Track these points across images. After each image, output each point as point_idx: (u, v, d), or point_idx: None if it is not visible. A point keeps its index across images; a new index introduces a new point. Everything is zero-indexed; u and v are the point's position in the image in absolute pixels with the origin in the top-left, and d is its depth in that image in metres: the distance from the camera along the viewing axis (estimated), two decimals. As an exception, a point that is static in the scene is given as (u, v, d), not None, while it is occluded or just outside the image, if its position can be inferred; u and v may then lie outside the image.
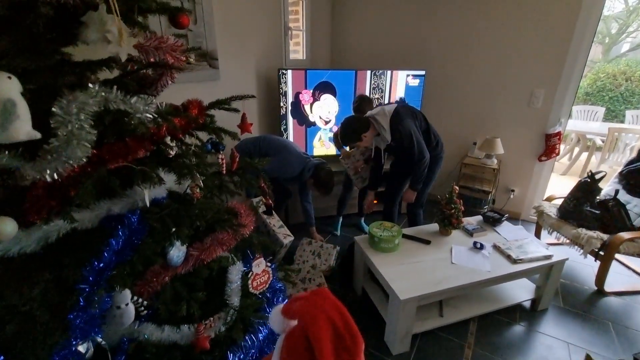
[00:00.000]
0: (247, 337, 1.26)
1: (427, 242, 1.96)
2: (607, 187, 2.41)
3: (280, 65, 2.88)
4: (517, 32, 2.63)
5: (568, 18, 2.42)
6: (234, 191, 1.42)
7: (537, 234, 2.56)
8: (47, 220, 0.81)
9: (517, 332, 1.83)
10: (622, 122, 5.56)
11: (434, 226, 2.12)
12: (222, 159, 1.34)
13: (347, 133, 2.05)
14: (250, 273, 1.30)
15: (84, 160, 0.75)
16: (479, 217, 2.26)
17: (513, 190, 3.03)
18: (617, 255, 2.23)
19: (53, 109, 0.68)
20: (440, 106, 3.12)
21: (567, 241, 2.23)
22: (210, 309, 1.22)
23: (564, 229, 2.23)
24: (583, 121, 5.16)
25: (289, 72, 2.61)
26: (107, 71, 0.95)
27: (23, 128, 0.64)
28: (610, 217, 2.15)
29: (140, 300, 0.92)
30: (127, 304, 0.85)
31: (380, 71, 2.81)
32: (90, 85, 0.76)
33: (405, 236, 2.00)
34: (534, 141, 2.84)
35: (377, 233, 1.87)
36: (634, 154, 2.36)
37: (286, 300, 0.59)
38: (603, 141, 4.14)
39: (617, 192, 2.24)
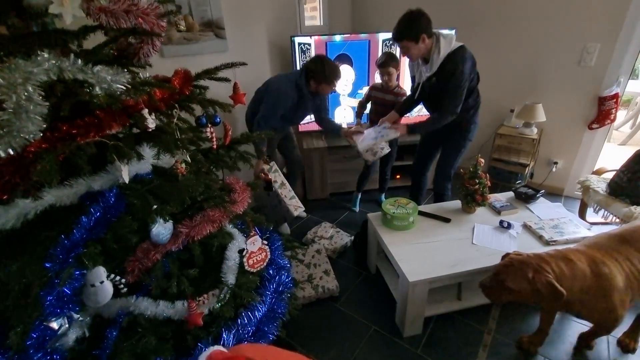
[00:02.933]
0: (243, 314, 1.25)
1: (447, 220, 1.80)
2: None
3: (295, 32, 2.71)
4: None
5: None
6: (232, 166, 1.37)
7: (582, 213, 2.27)
8: (20, 196, 0.81)
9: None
10: None
11: (457, 203, 1.94)
12: (212, 133, 1.28)
13: (407, 25, 1.68)
14: (245, 251, 1.26)
15: (40, 134, 0.72)
16: (510, 194, 2.03)
17: (556, 163, 2.69)
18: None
19: (-5, 78, 0.64)
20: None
21: (617, 220, 1.94)
22: (206, 286, 1.21)
23: (614, 207, 1.93)
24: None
25: (306, 39, 2.44)
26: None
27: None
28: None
29: (118, 278, 0.90)
30: (102, 282, 0.84)
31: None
32: (39, 52, 0.71)
33: (422, 214, 1.85)
34: (584, 106, 2.46)
35: (390, 210, 1.74)
36: None
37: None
38: (676, 104, 3.52)
39: (685, 163, 1.89)
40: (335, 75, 1.95)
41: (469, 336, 1.58)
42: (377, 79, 2.30)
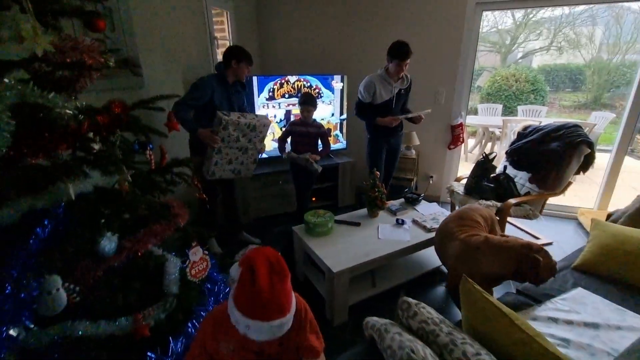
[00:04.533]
0: (189, 324, 1.32)
1: (357, 224, 2.18)
2: (501, 166, 2.90)
3: (208, 72, 2.94)
4: (421, 41, 3.06)
5: (456, 33, 2.93)
6: (165, 188, 1.47)
7: (453, 210, 2.97)
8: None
9: (440, 292, 2.12)
10: (516, 115, 6.60)
11: (364, 211, 2.36)
12: (151, 156, 1.39)
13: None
14: (188, 261, 1.36)
15: (3, 151, 0.79)
16: (402, 200, 2.56)
17: (432, 176, 3.46)
18: (510, 219, 2.70)
19: (-33, 100, 0.72)
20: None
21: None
22: (150, 299, 1.26)
23: (469, 202, 2.63)
24: (486, 117, 6.02)
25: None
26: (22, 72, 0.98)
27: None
28: (502, 189, 2.60)
29: (72, 286, 0.94)
30: (57, 290, 0.88)
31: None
32: (5, 80, 0.80)
33: (337, 221, 2.19)
34: (443, 132, 3.29)
35: (312, 220, 2.03)
36: (515, 137, 2.89)
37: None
38: (501, 132, 4.89)
39: (505, 167, 2.73)
40: (249, 55, 2.24)
41: (386, 315, 1.90)
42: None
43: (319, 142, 2.60)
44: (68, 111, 0.96)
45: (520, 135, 2.79)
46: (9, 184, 0.86)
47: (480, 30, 3.04)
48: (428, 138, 3.33)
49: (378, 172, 2.26)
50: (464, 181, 2.91)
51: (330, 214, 2.12)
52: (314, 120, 2.60)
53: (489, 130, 5.13)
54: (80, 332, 1.07)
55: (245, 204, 2.95)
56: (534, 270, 1.45)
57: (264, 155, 3.09)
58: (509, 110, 7.07)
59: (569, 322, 1.25)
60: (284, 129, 2.73)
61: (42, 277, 0.85)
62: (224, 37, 3.18)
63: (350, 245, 1.94)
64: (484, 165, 2.67)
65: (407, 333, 0.95)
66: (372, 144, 2.72)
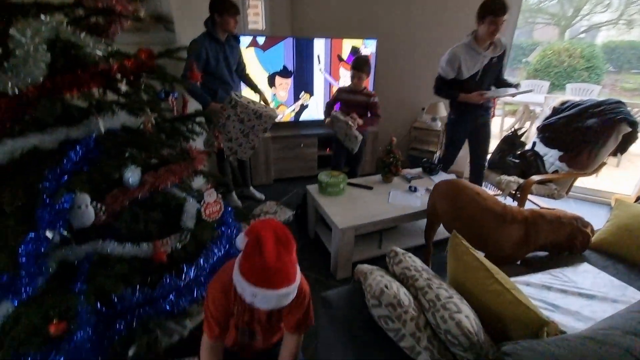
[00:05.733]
0: (202, 255, 1.47)
1: (370, 188, 2.22)
2: (531, 142, 2.76)
3: (239, 33, 2.99)
4: (457, 6, 2.88)
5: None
6: (187, 136, 1.60)
7: (473, 186, 2.90)
8: (12, 135, 0.97)
9: (444, 259, 2.15)
10: (564, 94, 6.08)
11: (379, 177, 2.39)
12: (173, 103, 1.51)
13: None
14: (203, 202, 1.49)
15: (41, 79, 0.91)
16: (419, 169, 2.55)
17: (457, 151, 3.36)
18: (531, 197, 2.60)
19: (10, 32, 0.83)
20: (392, 74, 3.36)
21: (493, 187, 2.57)
22: (169, 231, 1.42)
23: (490, 177, 2.56)
24: (529, 94, 5.60)
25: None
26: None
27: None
28: (528, 165, 2.49)
29: (99, 205, 1.09)
30: (86, 206, 1.03)
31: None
32: (42, 16, 0.91)
33: (350, 184, 2.25)
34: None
35: (325, 179, 2.10)
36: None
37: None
38: (542, 110, 4.56)
39: (534, 144, 2.60)
40: (232, 4, 2.16)
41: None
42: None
43: (369, 114, 2.38)
44: (98, 52, 1.07)
45: (556, 110, 2.61)
46: (49, 113, 1.00)
47: (538, 0, 2.76)
48: (456, 110, 3.21)
49: (395, 139, 2.25)
50: (489, 157, 2.82)
51: (343, 175, 2.17)
52: (365, 88, 2.40)
53: (529, 109, 4.80)
54: (108, 250, 1.24)
55: (267, 164, 3.07)
56: (582, 243, 1.50)
57: (289, 119, 3.17)
58: (556, 88, 6.50)
59: (563, 291, 1.25)
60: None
61: (74, 193, 1.00)
62: (255, -4, 3.18)
63: (359, 206, 2.00)
64: (512, 140, 2.56)
65: (389, 276, 1.02)
66: (454, 124, 2.43)
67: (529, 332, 0.85)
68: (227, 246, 1.64)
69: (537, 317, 0.83)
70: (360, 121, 2.25)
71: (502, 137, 2.62)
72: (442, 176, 2.45)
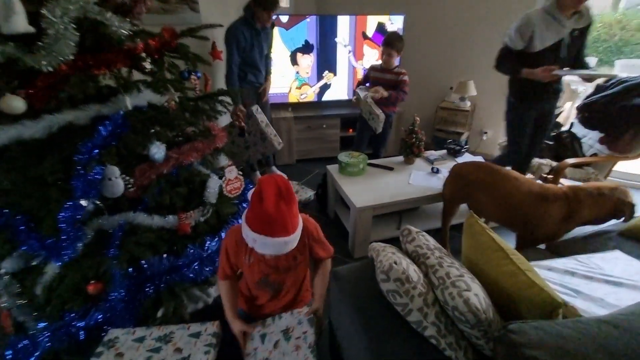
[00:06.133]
0: (222, 230, 1.55)
1: (390, 169, 2.20)
2: (568, 123, 2.58)
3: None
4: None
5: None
6: (210, 114, 1.64)
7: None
8: (49, 111, 1.05)
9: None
10: (612, 72, 5.55)
11: (400, 158, 2.35)
12: (196, 82, 1.55)
13: None
14: (224, 178, 1.55)
15: (71, 57, 0.97)
16: (444, 151, 2.47)
17: (486, 132, 3.21)
18: (565, 181, 2.46)
19: (42, 11, 0.89)
20: (420, 51, 3.22)
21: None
22: (192, 206, 1.50)
23: (521, 160, 2.43)
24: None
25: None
26: None
27: (21, 22, 0.85)
28: (563, 147, 2.34)
29: (127, 178, 1.17)
30: (116, 177, 1.11)
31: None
32: (70, -4, 0.96)
33: (371, 164, 2.23)
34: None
35: (345, 159, 2.10)
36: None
37: None
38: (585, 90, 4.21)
39: (571, 125, 2.42)
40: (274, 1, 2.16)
41: (405, 256, 1.99)
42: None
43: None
44: (123, 31, 1.11)
45: (599, 88, 2.40)
46: (82, 90, 1.07)
47: None
48: (488, 88, 3.04)
49: (418, 118, 2.18)
50: (521, 138, 2.67)
51: (364, 155, 2.16)
52: (396, 67, 2.35)
53: (570, 87, 4.44)
54: (138, 221, 1.34)
55: (290, 145, 3.10)
56: (630, 214, 1.50)
57: (312, 99, 3.15)
58: (604, 64, 5.93)
59: (588, 277, 1.20)
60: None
61: (104, 165, 1.08)
62: (279, -27, 3.12)
63: (379, 186, 1.99)
64: (546, 120, 2.40)
65: (400, 253, 1.02)
66: (516, 109, 2.02)
67: (542, 314, 0.83)
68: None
69: (551, 298, 0.81)
70: (384, 93, 2.21)
71: (536, 117, 2.46)
72: (467, 158, 2.37)
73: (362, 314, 0.95)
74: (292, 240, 0.92)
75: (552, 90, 1.90)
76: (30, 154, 1.06)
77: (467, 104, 3.04)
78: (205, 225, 1.49)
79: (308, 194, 2.56)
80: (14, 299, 1.25)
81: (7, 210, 1.10)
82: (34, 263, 1.16)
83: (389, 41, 2.21)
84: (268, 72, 2.61)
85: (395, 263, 0.90)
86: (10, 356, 1.19)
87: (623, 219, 1.53)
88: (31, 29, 0.88)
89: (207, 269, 1.44)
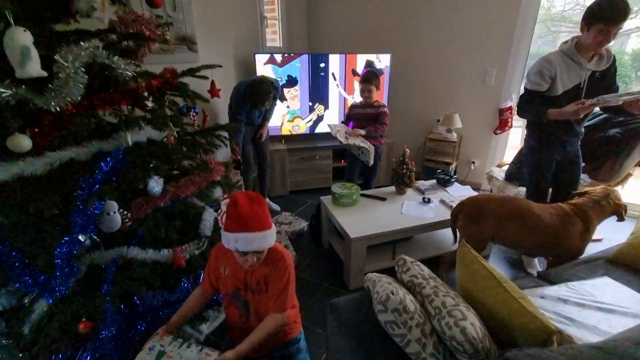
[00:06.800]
0: (218, 262, 1.53)
1: (383, 199, 2.24)
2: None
3: (257, 50, 3.14)
4: (469, 19, 2.92)
5: (511, 12, 2.73)
6: (207, 148, 1.69)
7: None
8: (51, 148, 1.08)
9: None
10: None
11: (392, 188, 2.40)
12: (194, 118, 1.61)
13: None
14: (220, 210, 1.56)
15: (79, 98, 1.02)
16: (434, 181, 2.55)
17: (473, 162, 3.32)
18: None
19: (55, 57, 0.95)
20: (407, 86, 3.40)
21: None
22: (187, 239, 1.50)
23: (508, 189, 2.52)
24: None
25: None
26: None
27: (35, 67, 0.90)
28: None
29: (125, 212, 1.18)
30: (114, 212, 1.12)
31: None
32: (81, 42, 1.03)
33: (364, 195, 2.28)
34: (489, 116, 3.12)
35: (338, 191, 2.14)
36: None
37: None
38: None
39: (553, 154, 2.53)
40: (254, 99, 2.31)
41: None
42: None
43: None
44: (128, 72, 1.18)
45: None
46: (85, 128, 1.11)
47: (562, 8, 2.77)
48: (472, 120, 3.20)
49: (408, 150, 2.27)
50: (507, 167, 2.78)
51: (356, 187, 2.21)
52: (376, 101, 2.45)
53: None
54: (132, 255, 1.33)
55: (283, 176, 3.15)
56: (624, 213, 1.69)
57: (305, 131, 3.25)
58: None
59: (580, 305, 1.22)
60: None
61: (104, 200, 1.09)
62: (273, 16, 3.34)
63: (372, 216, 2.02)
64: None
65: (396, 284, 1.04)
66: (537, 152, 1.93)
67: (537, 342, 0.84)
68: (243, 254, 1.71)
69: (544, 326, 0.83)
70: (361, 132, 2.32)
71: (520, 149, 2.58)
72: (456, 188, 2.44)
73: (362, 347, 0.95)
74: (270, 235, 1.00)
75: (573, 133, 1.85)
76: (29, 189, 1.08)
77: (454, 135, 3.17)
78: (200, 258, 1.49)
79: (302, 224, 2.57)
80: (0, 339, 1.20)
81: (1, 247, 1.09)
82: (25, 300, 1.13)
83: (367, 78, 2.35)
84: (266, 119, 2.72)
85: (392, 293, 0.91)
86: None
87: (619, 220, 1.70)
88: (44, 74, 0.93)
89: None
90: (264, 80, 2.40)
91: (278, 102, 2.85)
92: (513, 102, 3.03)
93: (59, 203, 1.07)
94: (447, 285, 1.04)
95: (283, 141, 3.20)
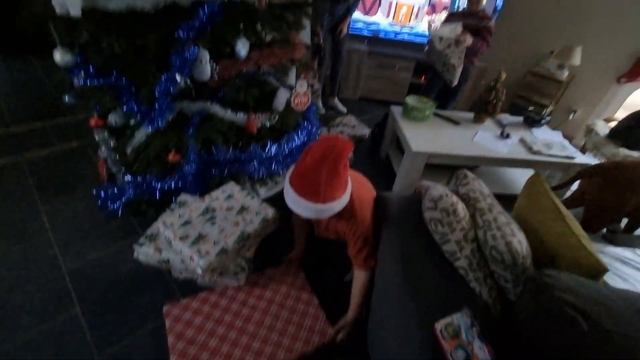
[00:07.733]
0: (284, 138, 1.65)
1: (457, 123, 2.10)
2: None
3: None
4: None
5: None
6: (291, 24, 1.64)
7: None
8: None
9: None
10: None
11: (470, 115, 2.21)
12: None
13: None
14: (294, 90, 1.61)
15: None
16: (519, 118, 2.28)
17: (575, 111, 2.86)
18: None
19: None
20: (523, 5, 2.79)
21: (605, 160, 2.21)
22: (261, 109, 1.59)
23: (606, 148, 2.19)
24: None
25: None
26: None
27: None
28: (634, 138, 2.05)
29: (214, 65, 1.27)
30: (206, 61, 1.21)
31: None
32: None
33: (437, 115, 2.14)
34: (620, 59, 2.53)
35: (411, 103, 2.03)
36: None
37: None
38: None
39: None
40: None
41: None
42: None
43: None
44: None
45: None
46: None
47: None
48: (595, 60, 2.63)
49: (504, 74, 1.99)
50: (614, 124, 2.36)
51: (432, 102, 2.07)
52: (481, 10, 2.10)
53: None
54: (214, 111, 1.47)
55: (357, 79, 3.03)
56: None
57: (389, 36, 2.96)
58: None
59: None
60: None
61: (198, 47, 1.17)
62: None
63: (439, 136, 1.93)
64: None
65: (451, 192, 1.04)
66: None
67: (585, 276, 0.84)
68: (305, 139, 1.79)
69: (598, 263, 0.81)
70: (469, 40, 1.98)
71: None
72: (544, 131, 2.17)
73: (401, 237, 1.02)
74: (323, 211, 0.88)
75: None
76: (139, 23, 1.18)
77: (565, 74, 2.68)
78: (269, 131, 1.60)
79: (364, 130, 2.56)
80: (110, 151, 1.49)
81: (115, 74, 1.27)
82: (131, 121, 1.35)
83: None
84: (349, 12, 2.47)
85: (447, 195, 0.93)
86: (102, 198, 1.47)
87: None
88: None
89: (264, 169, 1.59)
90: None
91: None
92: (663, 46, 2.39)
93: (161, 43, 1.17)
94: (501, 206, 1.02)
95: (366, 42, 2.97)
